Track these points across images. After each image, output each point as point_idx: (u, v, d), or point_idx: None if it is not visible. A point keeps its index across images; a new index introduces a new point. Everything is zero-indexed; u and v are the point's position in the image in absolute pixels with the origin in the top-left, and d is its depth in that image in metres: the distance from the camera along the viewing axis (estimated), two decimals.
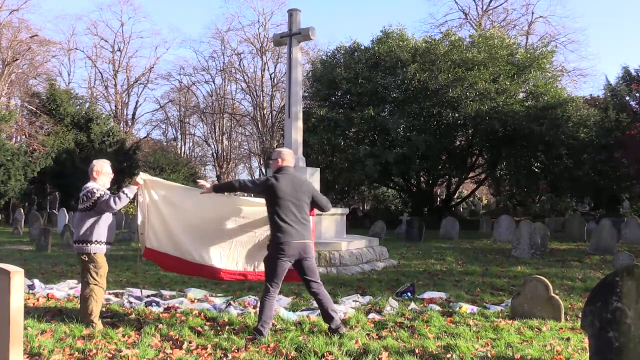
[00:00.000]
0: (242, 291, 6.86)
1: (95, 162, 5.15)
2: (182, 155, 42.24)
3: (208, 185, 5.10)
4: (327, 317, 4.74)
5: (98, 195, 4.88)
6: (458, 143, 22.94)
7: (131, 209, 21.02)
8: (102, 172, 5.09)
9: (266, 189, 4.75)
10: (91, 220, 4.90)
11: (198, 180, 5.37)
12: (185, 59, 65.78)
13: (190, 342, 4.45)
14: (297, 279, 4.99)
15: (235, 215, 5.17)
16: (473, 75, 18.73)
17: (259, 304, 4.73)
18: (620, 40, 61.61)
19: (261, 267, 5.09)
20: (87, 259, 4.92)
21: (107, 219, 4.99)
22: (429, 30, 38.33)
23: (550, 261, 10.56)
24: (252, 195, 5.30)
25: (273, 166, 5.01)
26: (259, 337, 4.51)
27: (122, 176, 25.49)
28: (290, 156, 5.02)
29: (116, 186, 20.89)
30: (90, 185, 4.97)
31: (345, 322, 5.17)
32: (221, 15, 73.76)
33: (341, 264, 8.86)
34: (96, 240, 4.91)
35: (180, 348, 4.32)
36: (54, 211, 22.73)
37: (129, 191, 5.01)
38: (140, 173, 5.31)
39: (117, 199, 4.90)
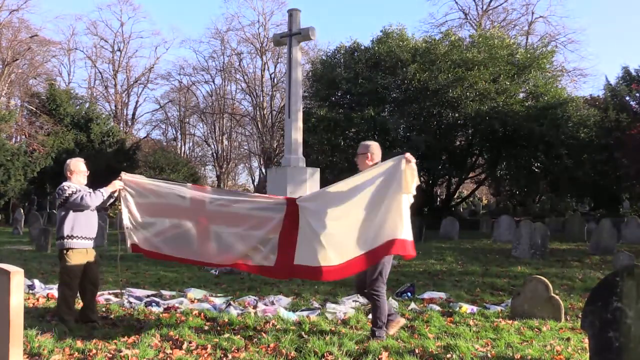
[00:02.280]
0: (242, 291, 6.86)
1: (69, 161, 5.17)
2: (182, 155, 42.13)
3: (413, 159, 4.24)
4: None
5: (69, 192, 4.87)
6: (458, 143, 22.90)
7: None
8: (76, 171, 5.09)
9: None
10: (64, 217, 4.92)
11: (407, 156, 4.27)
12: (185, 59, 65.54)
13: (190, 342, 4.45)
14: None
15: (221, 212, 4.88)
16: (473, 75, 18.70)
17: (379, 306, 4.46)
18: (620, 40, 61.62)
19: (256, 260, 4.74)
20: (60, 255, 4.99)
21: (82, 214, 4.94)
22: (429, 30, 38.13)
23: (550, 261, 10.55)
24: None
25: (362, 163, 4.54)
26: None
27: None
28: (379, 149, 4.57)
29: None
30: (64, 183, 5.01)
31: (345, 322, 5.18)
32: (221, 16, 73.86)
33: None
34: (68, 235, 4.89)
35: (180, 348, 4.32)
36: (54, 211, 22.68)
37: (105, 190, 4.92)
38: (122, 173, 5.05)
39: (89, 196, 4.85)
